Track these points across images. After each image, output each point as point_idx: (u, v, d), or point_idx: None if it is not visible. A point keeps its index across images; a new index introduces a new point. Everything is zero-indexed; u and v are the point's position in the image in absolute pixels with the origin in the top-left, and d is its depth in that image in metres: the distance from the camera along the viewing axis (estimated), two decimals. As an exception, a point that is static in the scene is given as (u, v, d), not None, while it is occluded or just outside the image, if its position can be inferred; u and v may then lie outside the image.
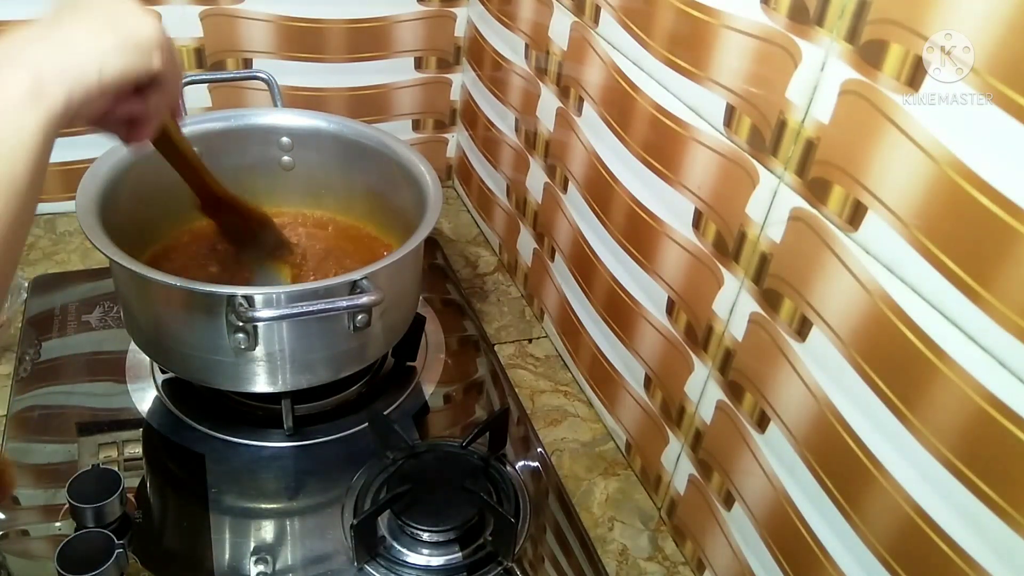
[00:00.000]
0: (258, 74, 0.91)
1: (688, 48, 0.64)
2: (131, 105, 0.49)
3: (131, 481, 0.71)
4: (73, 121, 0.43)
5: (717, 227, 0.64)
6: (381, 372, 0.87)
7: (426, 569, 0.67)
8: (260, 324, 0.66)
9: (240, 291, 0.63)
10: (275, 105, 0.89)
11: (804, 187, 0.54)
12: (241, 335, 0.66)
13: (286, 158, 0.88)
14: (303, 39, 1.03)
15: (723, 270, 0.64)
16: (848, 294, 0.51)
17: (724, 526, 0.67)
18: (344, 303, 0.65)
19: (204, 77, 0.95)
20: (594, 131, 0.80)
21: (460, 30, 1.11)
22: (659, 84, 0.68)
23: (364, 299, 0.65)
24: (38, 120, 0.40)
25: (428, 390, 0.86)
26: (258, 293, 0.64)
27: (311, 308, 0.64)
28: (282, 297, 0.65)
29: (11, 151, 0.39)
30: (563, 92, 0.86)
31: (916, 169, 0.45)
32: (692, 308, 0.68)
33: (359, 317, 0.69)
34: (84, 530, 0.63)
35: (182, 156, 0.66)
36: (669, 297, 0.71)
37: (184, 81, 0.86)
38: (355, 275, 0.67)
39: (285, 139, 0.88)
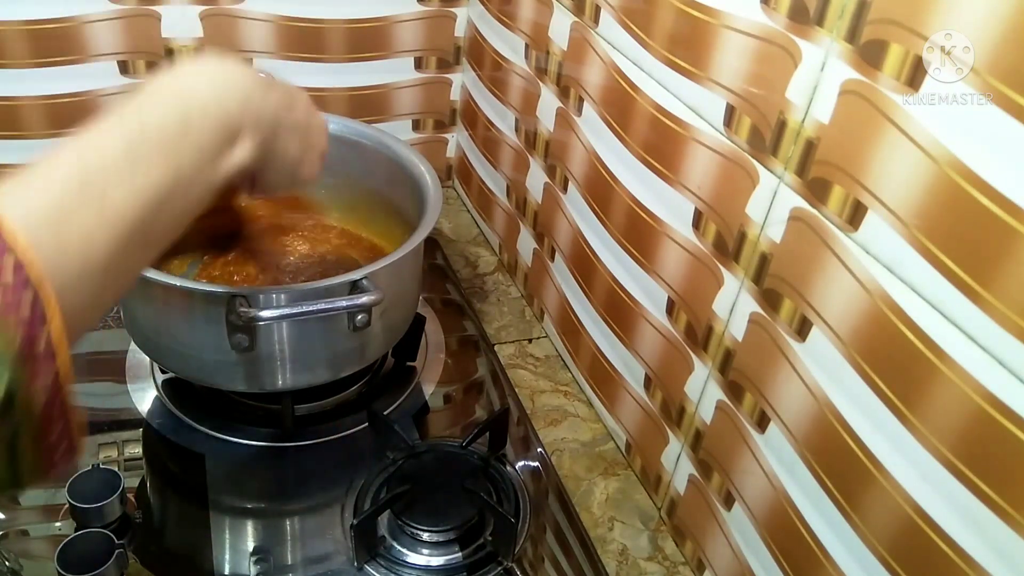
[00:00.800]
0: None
1: (688, 48, 0.64)
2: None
3: (131, 481, 0.71)
4: None
5: (717, 227, 0.64)
6: (381, 372, 0.87)
7: (426, 569, 0.67)
8: (260, 324, 0.66)
9: (240, 291, 0.63)
10: (275, 105, 0.89)
11: (804, 187, 0.54)
12: (241, 335, 0.66)
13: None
14: (303, 39, 1.03)
15: (723, 270, 0.64)
16: (848, 294, 0.51)
17: (724, 526, 0.67)
18: (344, 303, 0.65)
19: (204, 77, 0.94)
20: (594, 131, 0.80)
21: (460, 30, 1.11)
22: (659, 84, 0.68)
23: (364, 299, 0.65)
24: None
25: (428, 390, 0.86)
26: (258, 293, 0.64)
27: (311, 308, 0.64)
28: (282, 297, 0.65)
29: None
30: (563, 92, 0.86)
31: (916, 169, 0.45)
32: (692, 308, 0.68)
33: (359, 317, 0.69)
34: (84, 530, 0.63)
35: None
36: (669, 297, 0.71)
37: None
38: (355, 275, 0.67)
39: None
